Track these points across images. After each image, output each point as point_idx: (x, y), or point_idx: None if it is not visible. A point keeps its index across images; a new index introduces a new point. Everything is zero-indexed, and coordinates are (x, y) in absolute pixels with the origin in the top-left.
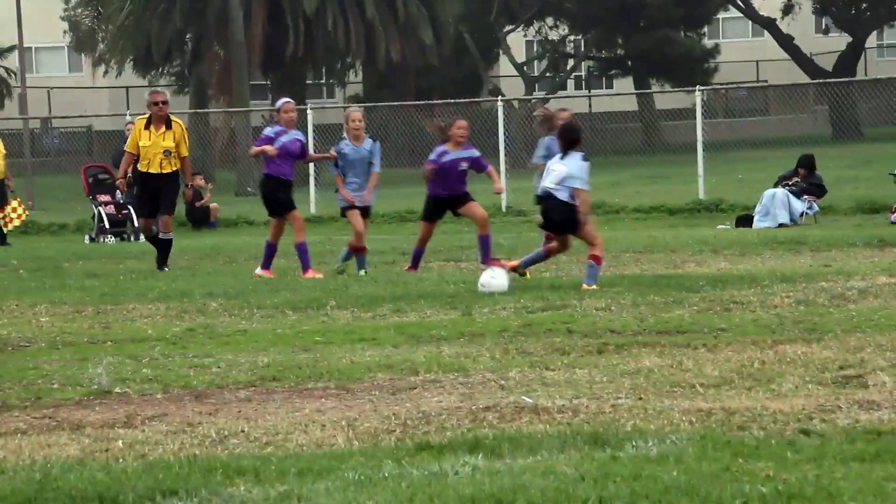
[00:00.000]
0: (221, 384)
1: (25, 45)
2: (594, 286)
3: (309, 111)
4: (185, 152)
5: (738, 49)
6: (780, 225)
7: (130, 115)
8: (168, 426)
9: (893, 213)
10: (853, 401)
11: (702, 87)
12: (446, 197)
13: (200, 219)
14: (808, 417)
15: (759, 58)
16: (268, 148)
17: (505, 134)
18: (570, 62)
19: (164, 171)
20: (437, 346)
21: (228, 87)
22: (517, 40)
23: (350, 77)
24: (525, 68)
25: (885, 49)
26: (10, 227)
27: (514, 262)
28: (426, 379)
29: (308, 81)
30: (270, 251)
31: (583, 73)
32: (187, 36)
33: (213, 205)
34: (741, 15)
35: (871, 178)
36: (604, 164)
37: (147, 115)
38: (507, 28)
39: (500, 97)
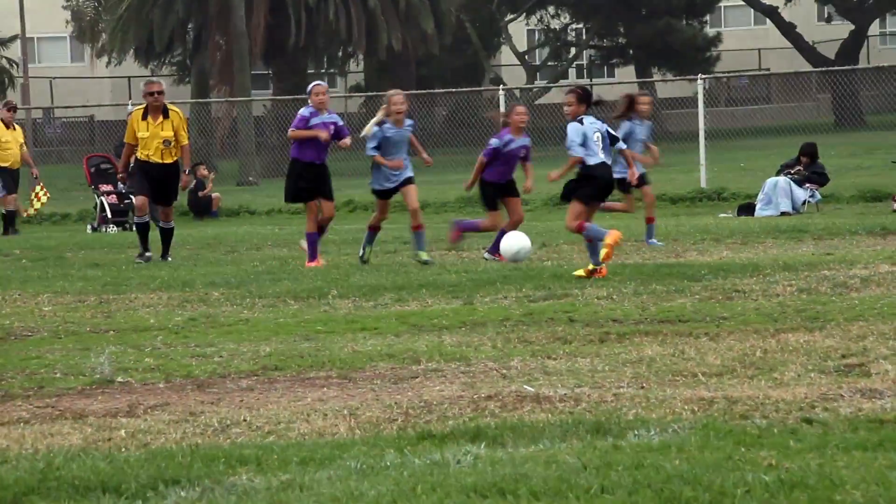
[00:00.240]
0: (223, 373)
1: (28, 35)
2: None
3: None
4: (184, 140)
5: (740, 37)
6: (783, 213)
7: (132, 104)
8: (170, 415)
9: None
10: (855, 389)
11: (704, 76)
12: (504, 183)
13: (202, 208)
14: (811, 406)
15: (761, 46)
16: (320, 133)
17: None
18: (572, 51)
19: (164, 162)
20: (438, 335)
21: (230, 76)
22: (518, 29)
23: (351, 66)
24: (526, 57)
25: (888, 37)
26: (31, 211)
27: (588, 269)
28: (428, 368)
29: (309, 71)
30: (312, 240)
31: (584, 62)
32: (189, 25)
33: (214, 194)
34: (743, 3)
35: (874, 166)
36: None
37: (143, 106)
38: (509, 17)
39: (501, 86)
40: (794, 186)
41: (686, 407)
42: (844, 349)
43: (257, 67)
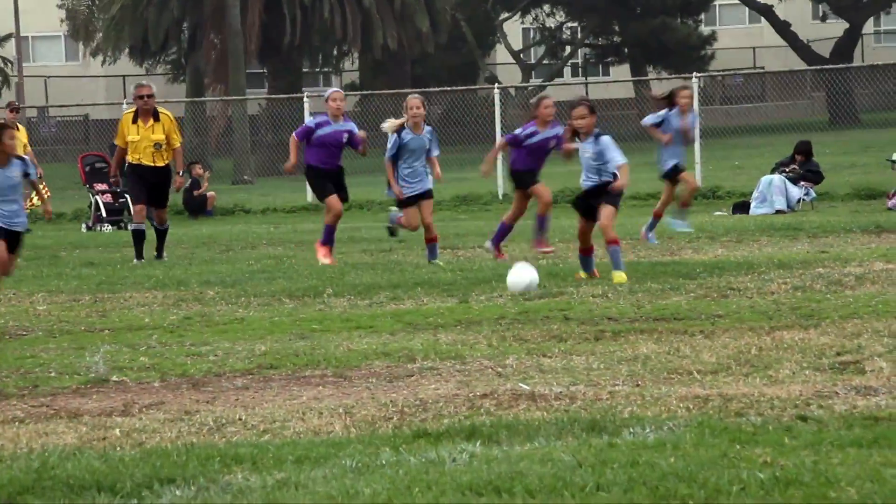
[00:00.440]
0: (219, 372)
1: (22, 34)
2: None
3: (305, 99)
4: (176, 143)
5: (734, 36)
6: (777, 211)
7: (127, 103)
8: (165, 414)
9: (890, 198)
10: (850, 387)
11: (698, 74)
12: (531, 171)
13: (197, 207)
14: (806, 403)
15: (755, 44)
16: (288, 163)
17: (501, 121)
18: (567, 49)
19: (156, 165)
20: (434, 334)
21: (225, 75)
22: (514, 28)
23: (346, 65)
24: (522, 56)
25: (883, 35)
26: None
27: (622, 276)
28: (423, 366)
29: (304, 69)
30: (329, 231)
31: (579, 61)
32: (184, 24)
33: (209, 193)
34: (738, 1)
35: (868, 164)
36: None
37: (134, 109)
38: (504, 15)
39: (496, 84)
40: (788, 184)
41: (681, 404)
42: (839, 346)
43: (252, 66)
